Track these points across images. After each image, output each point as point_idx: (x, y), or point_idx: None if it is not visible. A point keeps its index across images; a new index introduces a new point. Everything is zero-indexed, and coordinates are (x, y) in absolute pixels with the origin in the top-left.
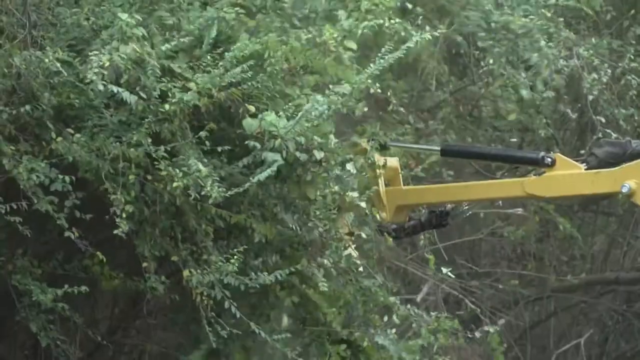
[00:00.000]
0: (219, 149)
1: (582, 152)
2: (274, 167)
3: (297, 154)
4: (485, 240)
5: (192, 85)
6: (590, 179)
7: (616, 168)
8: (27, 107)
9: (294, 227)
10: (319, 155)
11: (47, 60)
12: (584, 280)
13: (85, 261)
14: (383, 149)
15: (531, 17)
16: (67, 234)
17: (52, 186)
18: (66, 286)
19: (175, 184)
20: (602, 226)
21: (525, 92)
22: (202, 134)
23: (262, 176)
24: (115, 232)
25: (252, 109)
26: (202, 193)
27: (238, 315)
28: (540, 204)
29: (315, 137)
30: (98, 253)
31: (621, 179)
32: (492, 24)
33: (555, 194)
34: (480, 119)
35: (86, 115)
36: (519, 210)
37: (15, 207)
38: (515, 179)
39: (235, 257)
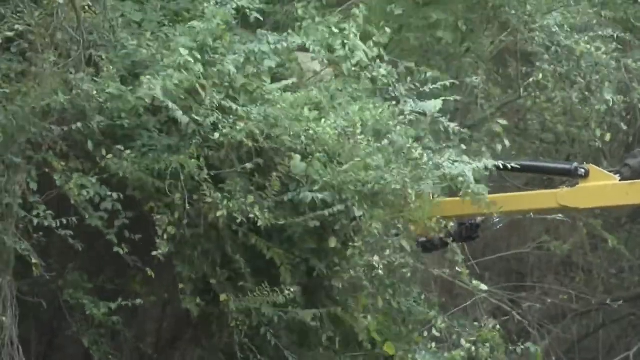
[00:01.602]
0: (267, 183)
1: None
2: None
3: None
4: (533, 253)
5: (241, 124)
6: (625, 190)
7: None
8: (79, 124)
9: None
10: (357, 212)
11: (102, 86)
12: (633, 293)
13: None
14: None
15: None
16: (116, 249)
17: (102, 205)
18: (120, 299)
19: (219, 213)
20: None
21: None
22: (248, 165)
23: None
24: (154, 253)
25: (297, 157)
26: (250, 216)
27: (273, 343)
28: (589, 218)
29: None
30: (147, 269)
31: None
32: (554, 47)
33: (589, 205)
34: (527, 131)
35: (136, 135)
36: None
37: (65, 222)
38: (548, 191)
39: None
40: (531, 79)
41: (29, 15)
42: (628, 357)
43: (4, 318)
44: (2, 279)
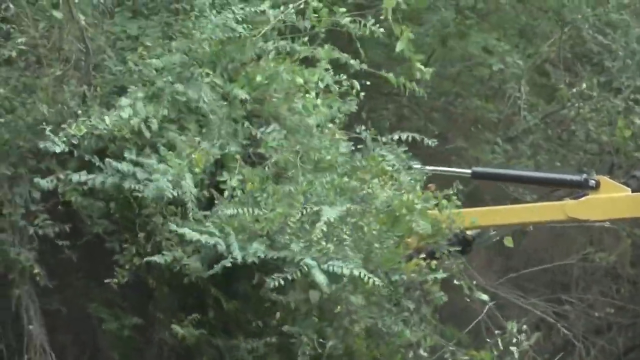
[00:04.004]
0: None
1: None
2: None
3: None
4: (577, 265)
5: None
6: (636, 202)
7: None
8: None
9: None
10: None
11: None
12: None
13: None
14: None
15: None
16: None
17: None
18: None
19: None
20: None
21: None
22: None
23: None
24: (106, 281)
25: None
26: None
27: None
28: (634, 228)
29: None
30: None
31: None
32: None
33: (599, 217)
34: (570, 142)
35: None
36: None
37: (58, 230)
38: (556, 202)
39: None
40: (574, 89)
41: (34, 28)
42: None
43: (30, 327)
44: (20, 290)
